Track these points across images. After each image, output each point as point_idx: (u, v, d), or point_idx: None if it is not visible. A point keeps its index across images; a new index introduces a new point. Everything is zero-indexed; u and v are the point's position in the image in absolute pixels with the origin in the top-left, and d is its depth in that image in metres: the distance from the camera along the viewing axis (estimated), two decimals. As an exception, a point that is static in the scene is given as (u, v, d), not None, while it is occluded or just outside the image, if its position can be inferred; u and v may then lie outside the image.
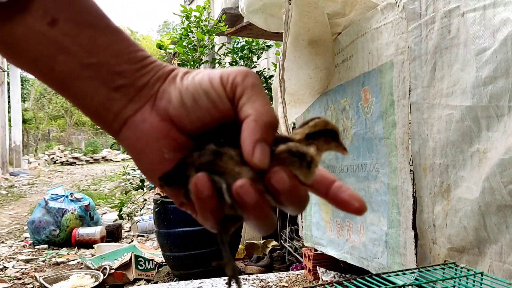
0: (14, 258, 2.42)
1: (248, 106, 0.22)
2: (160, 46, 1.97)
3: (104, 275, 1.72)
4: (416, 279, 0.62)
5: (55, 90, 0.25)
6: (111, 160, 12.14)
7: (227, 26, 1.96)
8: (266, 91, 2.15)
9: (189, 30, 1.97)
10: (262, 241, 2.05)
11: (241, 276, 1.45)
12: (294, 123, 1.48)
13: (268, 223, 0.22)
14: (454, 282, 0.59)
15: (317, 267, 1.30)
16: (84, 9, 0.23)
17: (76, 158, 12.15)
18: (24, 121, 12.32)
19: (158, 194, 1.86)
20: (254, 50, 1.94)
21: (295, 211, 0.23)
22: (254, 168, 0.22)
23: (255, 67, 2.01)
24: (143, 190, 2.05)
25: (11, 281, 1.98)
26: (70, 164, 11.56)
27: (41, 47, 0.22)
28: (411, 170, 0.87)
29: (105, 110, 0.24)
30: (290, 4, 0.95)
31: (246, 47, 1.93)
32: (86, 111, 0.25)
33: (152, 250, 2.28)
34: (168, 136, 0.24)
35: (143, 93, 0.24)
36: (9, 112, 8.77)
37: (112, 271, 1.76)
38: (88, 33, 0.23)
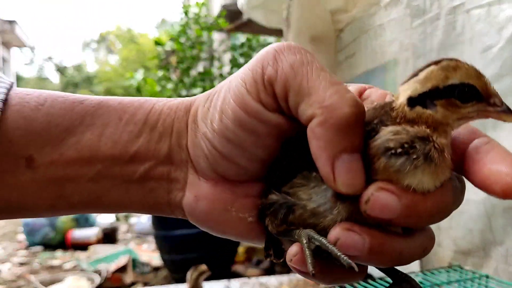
0: (8, 261, 2.37)
1: (304, 103, 0.15)
2: (157, 43, 1.94)
3: (100, 278, 1.69)
4: (420, 282, 0.60)
5: (94, 212, 0.21)
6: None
7: (226, 23, 1.93)
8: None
9: (187, 27, 1.94)
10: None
11: (241, 279, 1.43)
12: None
13: (404, 259, 0.15)
14: (459, 285, 0.57)
15: (318, 269, 1.28)
16: (52, 125, 0.18)
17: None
18: (19, 121, 12.12)
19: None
20: (254, 47, 1.91)
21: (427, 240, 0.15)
22: (345, 195, 0.14)
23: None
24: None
25: (6, 284, 1.94)
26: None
27: (34, 195, 0.18)
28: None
29: (150, 206, 0.19)
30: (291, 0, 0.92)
31: (246, 44, 1.90)
32: (140, 212, 0.20)
33: (149, 253, 2.25)
34: (236, 198, 0.18)
35: (175, 163, 0.18)
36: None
37: (109, 274, 1.73)
38: (70, 142, 0.18)
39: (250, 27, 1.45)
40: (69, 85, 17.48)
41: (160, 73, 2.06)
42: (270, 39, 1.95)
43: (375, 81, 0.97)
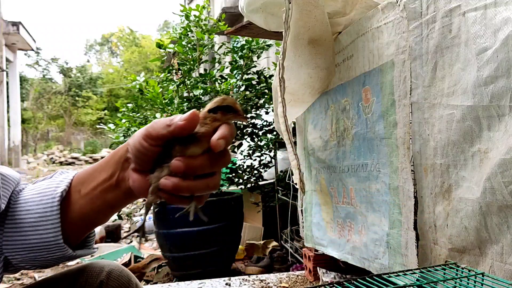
0: (13, 259, 2.40)
1: None
2: (159, 46, 1.96)
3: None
4: (417, 279, 0.62)
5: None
6: (110, 160, 12.03)
7: (227, 26, 1.95)
8: (266, 90, 2.13)
9: (188, 30, 1.96)
10: (262, 242, 2.05)
11: (241, 277, 1.45)
12: (294, 123, 1.47)
13: (192, 191, 0.34)
14: (455, 282, 0.58)
15: (318, 268, 1.30)
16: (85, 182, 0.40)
17: (75, 158, 12.14)
18: (23, 121, 12.27)
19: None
20: (254, 50, 1.93)
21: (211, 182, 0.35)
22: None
23: (255, 66, 2.01)
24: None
25: (10, 282, 1.97)
26: (69, 164, 11.54)
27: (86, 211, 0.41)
28: (412, 170, 0.87)
29: (123, 193, 0.40)
30: (290, 3, 0.94)
31: (246, 47, 1.92)
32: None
33: (151, 251, 2.27)
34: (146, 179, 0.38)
35: (124, 169, 0.40)
36: (8, 111, 8.74)
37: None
38: (99, 189, 0.40)
39: (250, 30, 1.47)
40: (73, 86, 17.60)
41: (162, 75, 2.09)
42: (270, 41, 1.97)
43: (372, 83, 0.98)
